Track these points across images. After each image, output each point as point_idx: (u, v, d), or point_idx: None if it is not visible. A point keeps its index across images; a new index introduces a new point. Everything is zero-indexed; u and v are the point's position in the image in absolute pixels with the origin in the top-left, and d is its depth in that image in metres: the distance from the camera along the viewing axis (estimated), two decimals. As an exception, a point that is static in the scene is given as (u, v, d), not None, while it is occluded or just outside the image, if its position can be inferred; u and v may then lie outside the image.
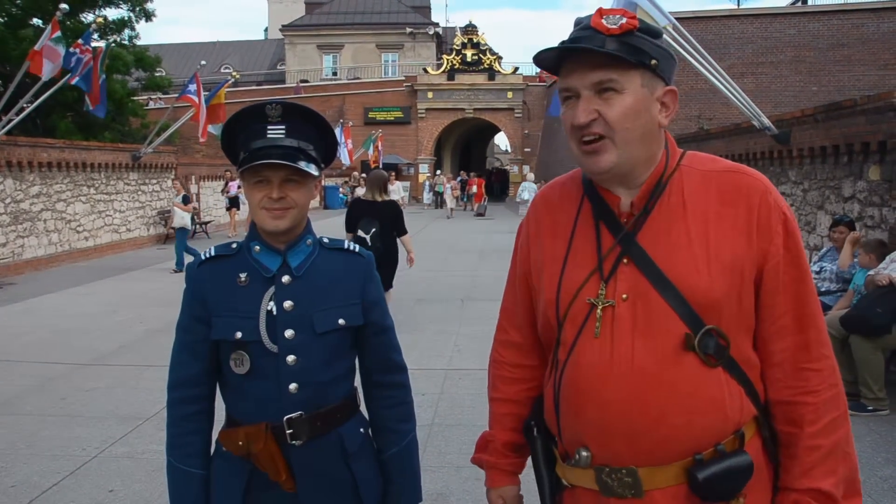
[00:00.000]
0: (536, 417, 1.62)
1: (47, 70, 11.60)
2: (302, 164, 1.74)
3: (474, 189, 32.05)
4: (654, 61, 1.40)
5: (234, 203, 19.63)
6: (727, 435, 1.40)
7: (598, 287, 1.45)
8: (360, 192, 17.26)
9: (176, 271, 12.62)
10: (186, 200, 13.55)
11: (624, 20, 1.38)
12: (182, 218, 13.18)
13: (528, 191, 23.70)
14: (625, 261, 1.44)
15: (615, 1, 8.22)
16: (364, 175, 20.46)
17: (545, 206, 1.63)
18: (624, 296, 1.42)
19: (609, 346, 1.41)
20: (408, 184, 36.81)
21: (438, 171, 37.72)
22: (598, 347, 1.42)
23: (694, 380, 1.38)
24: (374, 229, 7.34)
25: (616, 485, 1.42)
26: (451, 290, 10.65)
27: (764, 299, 1.44)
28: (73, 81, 12.36)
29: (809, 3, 25.99)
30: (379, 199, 7.54)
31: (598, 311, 1.43)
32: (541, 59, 1.46)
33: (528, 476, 1.69)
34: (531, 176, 27.40)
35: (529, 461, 1.69)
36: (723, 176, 1.47)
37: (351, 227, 7.48)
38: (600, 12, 1.41)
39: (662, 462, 1.40)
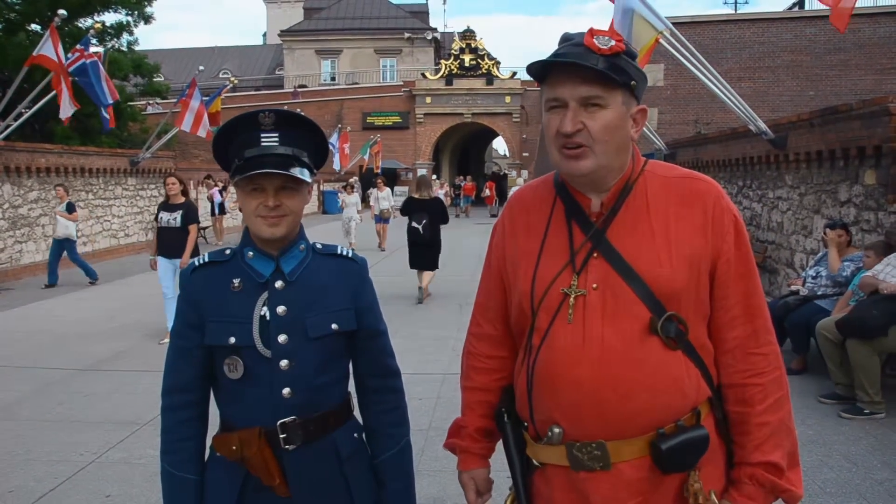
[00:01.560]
0: (507, 405, 1.75)
1: (65, 111, 11.80)
2: (296, 172, 1.75)
3: (487, 192, 34.03)
4: (633, 82, 1.56)
5: (219, 209, 19.41)
6: (685, 412, 1.56)
7: (570, 278, 1.59)
8: (348, 199, 16.65)
9: (48, 286, 11.74)
10: (71, 209, 12.06)
11: (613, 42, 1.52)
12: (66, 227, 11.90)
13: None
14: (595, 255, 1.59)
15: (613, 8, 8.23)
16: (354, 180, 20.69)
17: (519, 207, 1.77)
18: (594, 285, 1.56)
19: (581, 331, 1.55)
20: (406, 188, 36.79)
21: (435, 176, 37.62)
22: (572, 332, 1.56)
23: (657, 360, 1.53)
24: (424, 220, 9.87)
25: (586, 458, 1.55)
26: (449, 294, 10.69)
27: (717, 291, 1.60)
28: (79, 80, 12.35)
29: (806, 7, 26.06)
30: (427, 196, 10.14)
31: (571, 299, 1.57)
32: (534, 68, 1.58)
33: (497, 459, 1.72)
34: (520, 181, 28.28)
35: (500, 446, 1.80)
36: (681, 181, 1.64)
37: (406, 216, 10.16)
38: (591, 32, 1.54)
39: (629, 435, 1.53)
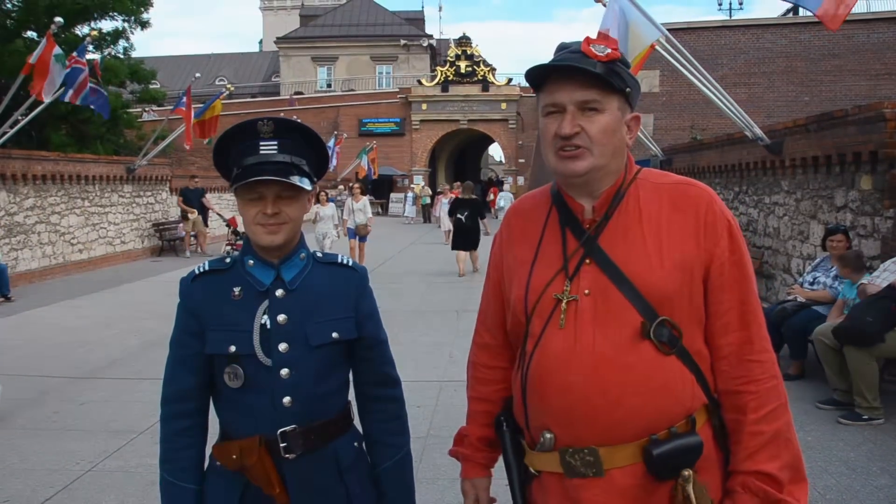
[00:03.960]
0: (506, 413, 1.77)
1: (48, 92, 11.48)
2: (295, 180, 1.75)
3: (491, 196, 34.50)
4: (628, 89, 1.60)
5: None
6: (679, 419, 1.55)
7: (563, 284, 1.61)
8: (323, 211, 13.80)
9: None
10: None
11: (609, 50, 1.56)
12: None
13: (504, 199, 26.63)
14: (587, 261, 1.60)
15: (607, 16, 8.25)
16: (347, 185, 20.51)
17: (516, 217, 1.81)
18: (586, 291, 1.58)
19: (573, 336, 1.56)
20: (402, 195, 36.79)
21: (423, 184, 37.46)
22: (563, 337, 1.57)
23: (649, 365, 1.53)
24: (466, 213, 13.57)
25: (579, 464, 1.55)
26: (446, 302, 10.69)
27: (711, 297, 1.60)
28: (77, 101, 12.16)
29: (800, 13, 26.18)
30: (470, 197, 14.32)
31: (563, 304, 1.58)
32: (532, 74, 1.62)
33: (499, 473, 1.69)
34: (507, 186, 30.44)
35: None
36: (674, 187, 1.66)
37: (452, 213, 13.96)
38: (588, 41, 1.58)
39: (621, 441, 1.53)
